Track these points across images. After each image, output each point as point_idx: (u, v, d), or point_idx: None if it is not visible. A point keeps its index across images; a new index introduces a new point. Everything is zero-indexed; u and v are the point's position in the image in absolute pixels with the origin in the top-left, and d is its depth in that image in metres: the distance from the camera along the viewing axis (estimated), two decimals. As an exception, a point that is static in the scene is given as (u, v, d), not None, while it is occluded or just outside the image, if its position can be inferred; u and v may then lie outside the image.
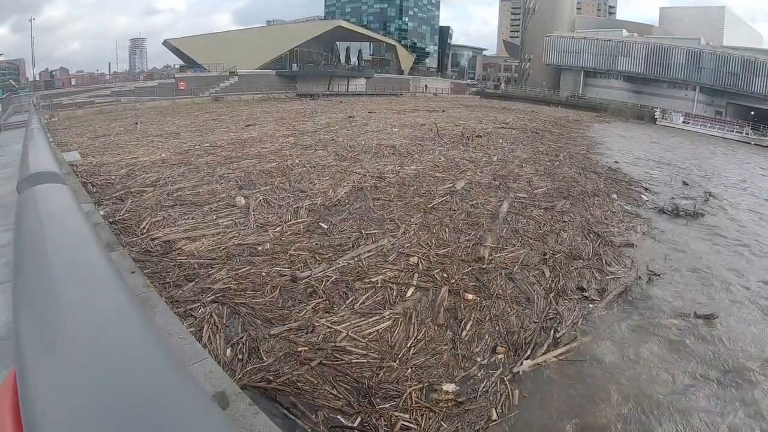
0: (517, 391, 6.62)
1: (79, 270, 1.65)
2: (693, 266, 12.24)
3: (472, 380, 6.78)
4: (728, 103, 72.15)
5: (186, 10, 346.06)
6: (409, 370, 6.77)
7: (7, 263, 5.61)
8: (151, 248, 10.09)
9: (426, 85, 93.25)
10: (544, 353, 7.52)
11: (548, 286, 9.83)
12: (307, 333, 7.33)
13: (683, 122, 66.91)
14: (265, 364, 6.54)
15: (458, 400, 6.32)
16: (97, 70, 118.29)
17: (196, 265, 9.34)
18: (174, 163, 18.56)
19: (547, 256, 11.28)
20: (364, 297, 8.56)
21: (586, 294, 9.65)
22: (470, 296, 8.98)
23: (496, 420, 6.12)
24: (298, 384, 6.16)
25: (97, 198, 13.33)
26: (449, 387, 6.52)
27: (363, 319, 7.87)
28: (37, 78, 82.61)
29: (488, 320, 8.31)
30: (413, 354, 7.15)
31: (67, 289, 1.51)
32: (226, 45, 71.63)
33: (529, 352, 7.54)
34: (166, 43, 77.59)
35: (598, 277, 10.60)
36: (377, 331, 7.59)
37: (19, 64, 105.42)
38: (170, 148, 22.21)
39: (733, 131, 61.35)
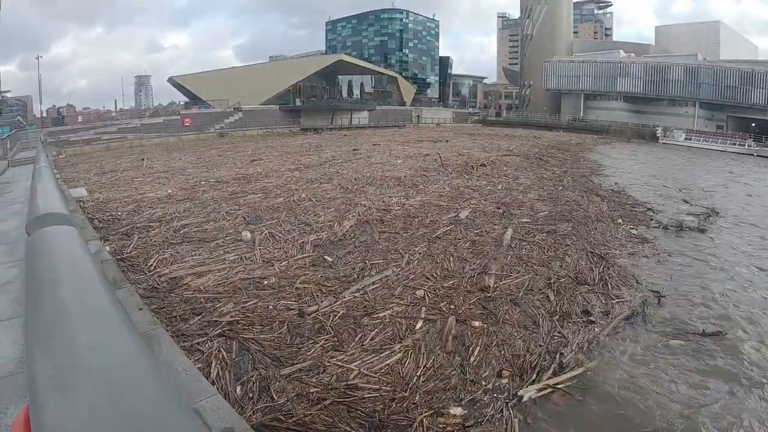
0: (517, 419, 6.56)
1: (89, 312, 1.71)
2: (699, 285, 12.18)
3: (479, 404, 6.75)
4: (728, 116, 72.85)
5: (189, 46, 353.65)
6: (419, 396, 6.72)
7: (14, 299, 5.66)
8: (158, 284, 10.11)
9: (418, 116, 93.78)
10: (549, 378, 7.48)
11: (553, 309, 9.82)
12: (318, 374, 7.26)
13: (685, 139, 67.41)
14: (277, 404, 6.49)
15: (466, 424, 6.30)
16: (104, 107, 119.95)
17: (202, 300, 9.36)
18: (180, 199, 18.72)
19: (552, 281, 11.27)
20: (374, 333, 8.49)
21: (592, 318, 9.62)
22: (477, 323, 8.97)
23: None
24: (312, 425, 6.11)
25: (104, 234, 13.44)
26: (456, 410, 6.50)
27: (374, 355, 7.79)
28: (44, 114, 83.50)
29: (495, 345, 8.29)
30: (423, 382, 7.11)
31: (79, 331, 1.56)
32: (229, 81, 72.56)
33: (534, 376, 7.51)
34: (170, 80, 78.69)
35: (603, 300, 10.57)
36: (388, 365, 7.52)
37: (26, 100, 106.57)
38: (176, 184, 22.44)
39: (735, 144, 61.78)
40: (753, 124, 66.59)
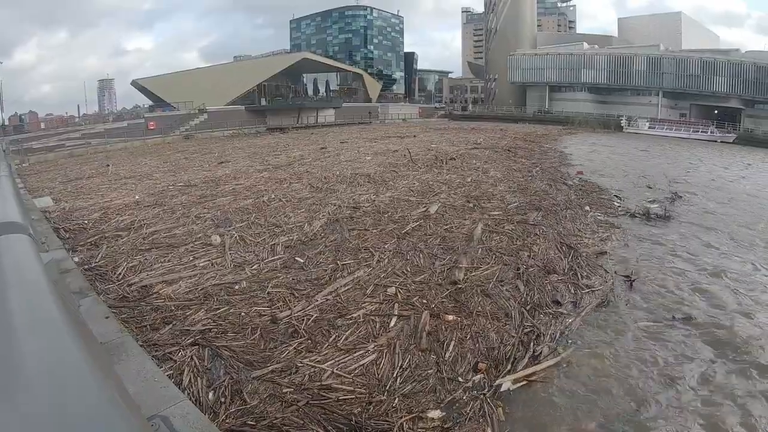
0: (500, 408, 6.60)
1: (35, 321, 1.66)
2: (667, 268, 12.49)
3: (458, 403, 6.70)
4: (691, 104, 74.64)
5: (153, 49, 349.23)
6: (397, 400, 6.62)
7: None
8: (128, 293, 9.91)
9: (384, 112, 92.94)
10: (524, 368, 7.53)
11: (524, 300, 9.89)
12: (291, 374, 7.16)
13: (649, 128, 68.70)
14: (249, 406, 6.40)
15: (445, 426, 6.24)
16: (67, 113, 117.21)
17: (173, 307, 9.20)
18: (148, 205, 18.40)
19: (521, 272, 11.36)
20: (347, 333, 8.42)
21: (562, 310, 9.71)
22: (450, 317, 8.99)
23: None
24: (285, 427, 6.03)
25: (71, 244, 13.14)
26: (435, 413, 6.43)
27: (347, 355, 7.72)
28: (7, 122, 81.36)
29: (469, 338, 8.31)
30: (400, 384, 7.02)
31: (23, 339, 1.51)
32: (194, 83, 71.54)
33: (509, 367, 7.55)
34: (134, 83, 77.38)
35: (573, 290, 10.71)
36: (363, 365, 7.45)
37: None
38: (143, 190, 22.04)
39: (698, 131, 63.01)
40: (715, 112, 68.38)
